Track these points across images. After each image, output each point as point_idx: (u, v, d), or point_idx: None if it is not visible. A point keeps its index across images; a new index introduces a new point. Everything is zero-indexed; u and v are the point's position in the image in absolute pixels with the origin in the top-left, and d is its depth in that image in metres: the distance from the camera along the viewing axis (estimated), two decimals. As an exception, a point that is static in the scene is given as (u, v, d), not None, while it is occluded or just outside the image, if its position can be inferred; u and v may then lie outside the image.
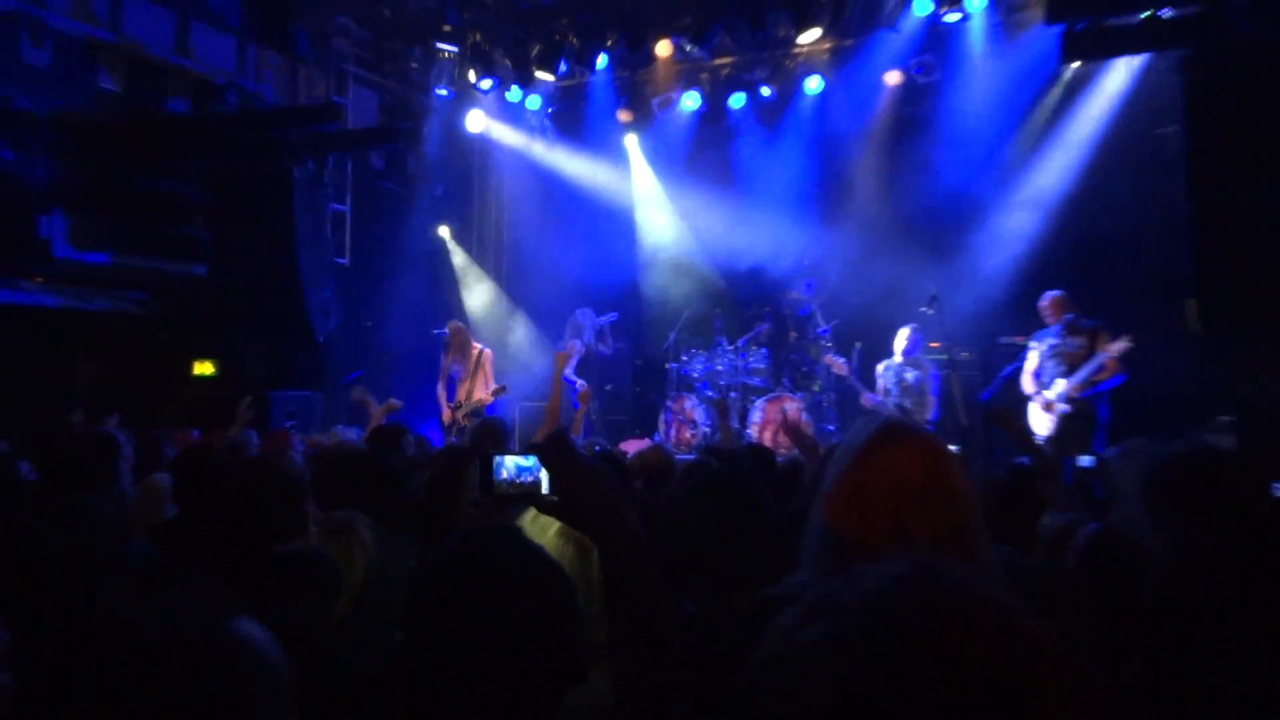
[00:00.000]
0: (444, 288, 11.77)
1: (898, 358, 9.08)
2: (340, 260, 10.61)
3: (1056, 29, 7.46)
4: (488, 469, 1.73)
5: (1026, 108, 9.77)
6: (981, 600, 0.79)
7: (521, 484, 1.73)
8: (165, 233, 9.50)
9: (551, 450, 1.61)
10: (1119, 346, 7.78)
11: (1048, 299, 8.31)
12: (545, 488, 1.68)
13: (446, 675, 1.44)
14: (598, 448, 6.00)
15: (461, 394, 8.75)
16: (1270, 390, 8.25)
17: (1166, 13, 6.98)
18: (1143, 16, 7.03)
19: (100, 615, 1.10)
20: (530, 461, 1.72)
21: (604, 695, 1.57)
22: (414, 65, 10.54)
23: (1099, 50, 7.42)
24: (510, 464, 1.74)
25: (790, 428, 5.52)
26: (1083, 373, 7.95)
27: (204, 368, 9.78)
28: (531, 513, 2.96)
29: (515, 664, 1.44)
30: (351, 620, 2.59)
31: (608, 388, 11.01)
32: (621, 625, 1.51)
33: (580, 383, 10.05)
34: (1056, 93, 9.62)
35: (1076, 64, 8.78)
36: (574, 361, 10.30)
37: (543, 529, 2.95)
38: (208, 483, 3.66)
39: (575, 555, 2.89)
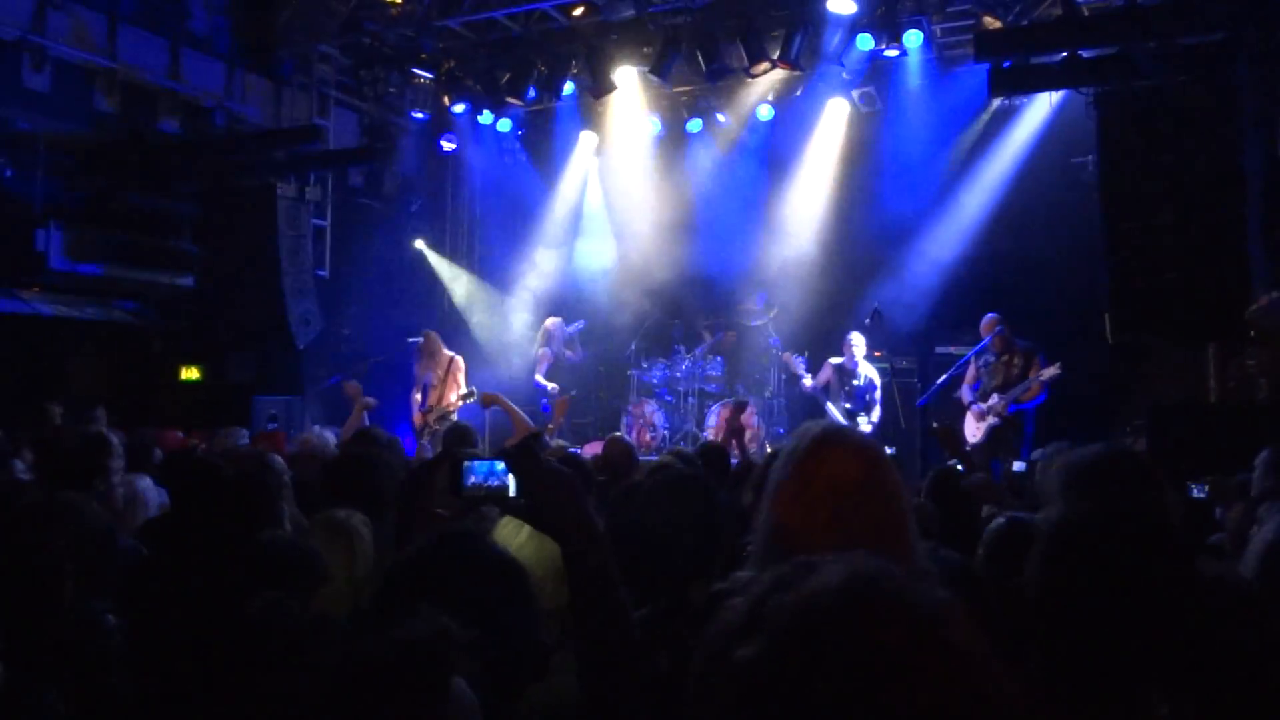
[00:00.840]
0: (419, 298, 11.78)
1: (847, 361, 9.22)
2: (320, 272, 10.58)
3: (985, 66, 7.65)
4: (457, 472, 1.69)
5: (958, 136, 9.97)
6: (911, 620, 0.76)
7: (489, 487, 1.68)
8: (155, 246, 9.46)
9: (519, 455, 1.60)
10: (1050, 373, 7.99)
11: (985, 320, 8.48)
12: (513, 491, 1.63)
13: None
14: (573, 450, 6.05)
15: (433, 399, 8.77)
16: (1176, 396, 8.50)
17: (1084, 54, 7.19)
18: (1062, 57, 7.24)
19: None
20: (499, 466, 1.67)
21: (569, 690, 1.58)
22: (392, 90, 10.54)
23: (1023, 86, 7.61)
24: (479, 468, 1.69)
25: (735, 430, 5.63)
26: (1014, 392, 8.15)
27: (190, 373, 9.74)
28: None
29: (476, 659, 1.40)
30: (354, 613, 2.52)
31: (573, 393, 11.07)
32: (583, 622, 1.51)
33: (554, 387, 10.12)
34: (985, 122, 9.82)
35: (1002, 98, 8.97)
36: (545, 367, 10.35)
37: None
38: (194, 481, 3.69)
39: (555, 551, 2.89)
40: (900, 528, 1.64)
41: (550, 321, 10.59)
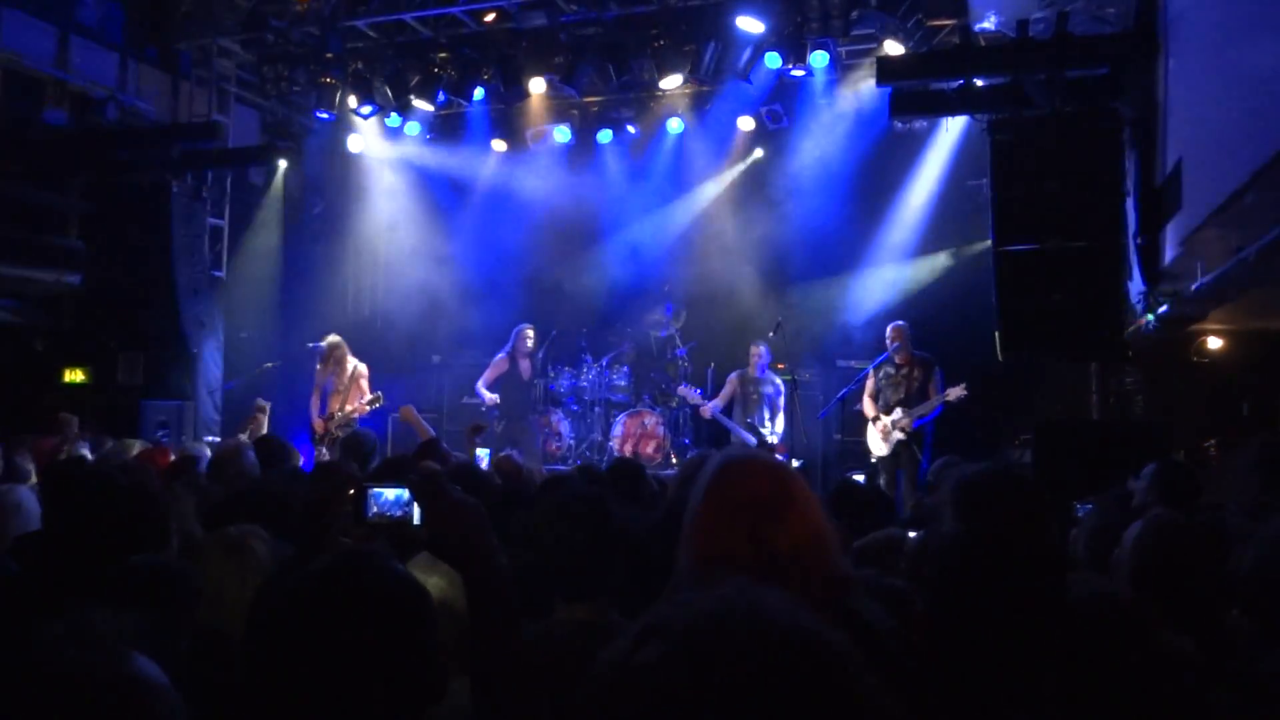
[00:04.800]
0: (322, 302, 11.51)
1: (751, 371, 9.35)
2: (217, 273, 10.28)
3: (886, 89, 7.88)
4: (360, 501, 1.68)
5: (862, 154, 10.24)
6: (793, 626, 0.80)
7: (393, 517, 1.68)
8: (39, 241, 9.04)
9: (423, 485, 1.59)
10: (956, 394, 8.16)
11: (890, 328, 8.62)
12: (417, 520, 1.64)
13: (303, 697, 1.38)
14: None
15: (334, 406, 8.58)
16: (1059, 410, 8.88)
17: (978, 82, 7.48)
18: (959, 84, 7.51)
19: None
20: (403, 495, 1.67)
21: (461, 705, 1.59)
22: (296, 88, 10.29)
23: (921, 110, 7.86)
24: (383, 497, 1.68)
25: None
26: (917, 410, 8.31)
27: (75, 375, 9.34)
28: None
29: (373, 685, 1.39)
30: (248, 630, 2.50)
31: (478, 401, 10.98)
32: (481, 647, 1.53)
33: (492, 398, 9.78)
34: (888, 142, 10.11)
35: (902, 121, 9.24)
36: (492, 377, 9.85)
37: None
38: (73, 495, 3.53)
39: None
40: (822, 542, 1.66)
41: (529, 330, 10.00)
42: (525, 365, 9.96)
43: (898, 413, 8.37)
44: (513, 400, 9.93)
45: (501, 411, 9.86)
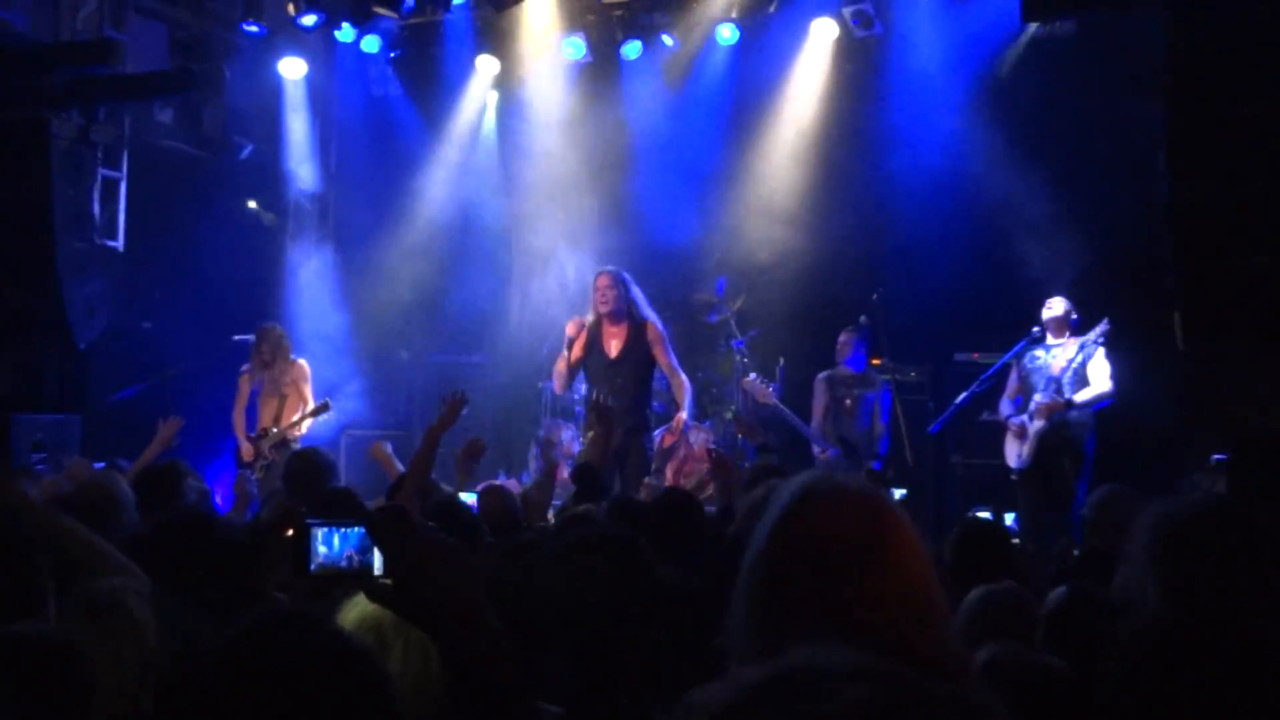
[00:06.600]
0: (252, 280, 11.57)
1: (842, 368, 9.25)
2: (112, 243, 10.39)
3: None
4: (302, 544, 1.70)
5: (985, 72, 10.11)
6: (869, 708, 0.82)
7: (346, 566, 1.70)
8: None
9: (385, 522, 1.61)
10: (1099, 330, 8.07)
11: (1054, 306, 8.45)
12: (379, 569, 1.65)
13: None
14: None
15: (267, 419, 8.64)
16: (1269, 420, 8.70)
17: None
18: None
19: None
20: (358, 535, 1.69)
21: None
22: (215, -7, 10.43)
23: (1065, 7, 7.74)
24: (333, 539, 1.71)
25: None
26: (1061, 378, 8.16)
27: (-81, 381, 9.47)
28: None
29: None
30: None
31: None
32: None
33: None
34: (1020, 53, 9.98)
35: (1040, 24, 9.11)
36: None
37: None
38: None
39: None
40: (921, 609, 1.65)
41: (601, 281, 8.61)
42: (614, 336, 8.63)
43: (1037, 397, 8.21)
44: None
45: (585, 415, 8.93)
